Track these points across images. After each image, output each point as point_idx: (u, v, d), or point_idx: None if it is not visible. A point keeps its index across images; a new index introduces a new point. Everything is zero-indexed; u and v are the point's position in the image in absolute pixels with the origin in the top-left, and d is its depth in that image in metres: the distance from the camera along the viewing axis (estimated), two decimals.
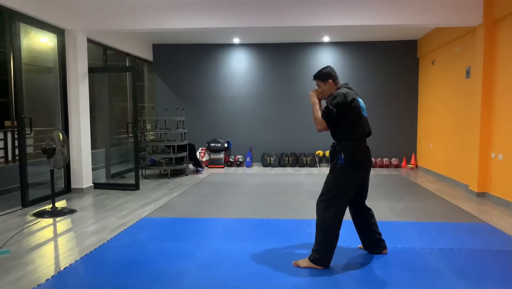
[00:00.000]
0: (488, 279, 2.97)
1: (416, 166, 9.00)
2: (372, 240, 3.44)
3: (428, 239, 3.86)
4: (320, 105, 3.21)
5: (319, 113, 3.13)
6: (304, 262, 3.16)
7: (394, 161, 9.10)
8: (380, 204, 5.40)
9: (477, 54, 5.93)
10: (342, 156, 3.07)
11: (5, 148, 7.80)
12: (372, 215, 3.42)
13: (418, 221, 4.53)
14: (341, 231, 3.97)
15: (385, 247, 3.46)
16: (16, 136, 6.25)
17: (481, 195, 5.85)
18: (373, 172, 8.38)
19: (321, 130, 3.13)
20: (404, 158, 9.10)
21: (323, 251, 3.12)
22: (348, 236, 3.88)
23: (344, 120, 3.07)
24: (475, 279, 2.97)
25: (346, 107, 3.03)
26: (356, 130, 3.11)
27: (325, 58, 9.14)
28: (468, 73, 6.39)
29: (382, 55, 9.08)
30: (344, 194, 3.13)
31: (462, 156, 6.56)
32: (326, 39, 8.88)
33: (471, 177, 6.11)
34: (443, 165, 7.45)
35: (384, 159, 9.11)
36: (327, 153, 9.24)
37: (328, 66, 3.31)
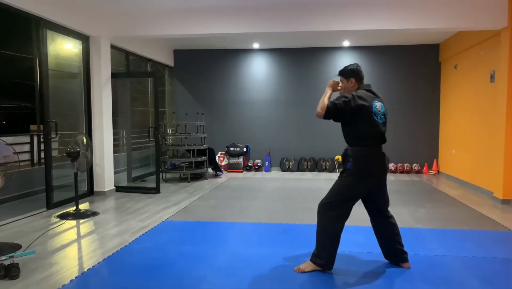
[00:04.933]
0: None
1: (438, 171, 8.82)
2: (392, 250, 3.26)
3: (451, 247, 3.78)
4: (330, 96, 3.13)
5: (326, 100, 3.03)
6: (308, 266, 3.13)
7: (415, 166, 8.95)
8: (401, 210, 5.32)
9: (502, 58, 5.80)
10: (350, 161, 3.02)
11: (31, 151, 8.02)
12: (394, 224, 3.24)
13: (441, 228, 4.44)
14: (363, 238, 3.94)
15: (406, 260, 3.23)
16: (41, 140, 6.43)
17: (507, 202, 5.69)
18: (393, 177, 8.27)
19: (319, 116, 2.99)
20: (426, 164, 8.93)
21: (325, 256, 3.09)
22: (370, 243, 3.85)
23: (354, 124, 3.02)
24: None
25: (353, 108, 2.96)
26: (368, 135, 3.02)
27: (345, 63, 8.97)
28: (492, 77, 6.25)
29: (403, 59, 8.97)
30: (348, 200, 3.07)
31: (486, 161, 6.40)
32: (346, 43, 8.84)
33: (495, 183, 5.96)
34: (466, 171, 7.29)
35: (405, 165, 8.96)
36: None
37: (355, 64, 3.27)
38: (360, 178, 3.02)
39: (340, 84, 3.25)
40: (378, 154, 3.08)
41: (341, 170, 3.18)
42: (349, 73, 3.20)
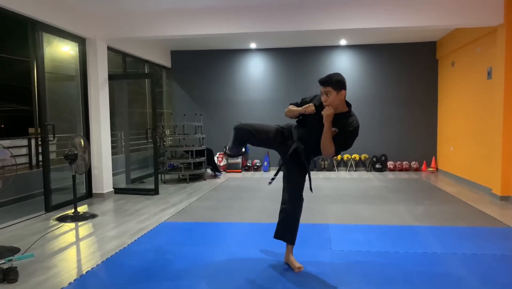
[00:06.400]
0: None
1: (437, 169, 8.83)
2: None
3: (450, 244, 3.78)
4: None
5: (332, 144, 2.89)
6: (290, 254, 3.30)
7: (414, 164, 8.96)
8: (400, 208, 5.32)
9: (499, 54, 5.80)
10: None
11: (29, 154, 8.01)
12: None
13: (439, 226, 4.44)
14: (361, 236, 3.94)
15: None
16: (39, 143, 6.42)
17: (505, 199, 5.70)
18: (392, 175, 8.29)
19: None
20: (424, 161, 8.94)
21: (295, 235, 3.29)
22: (368, 241, 3.85)
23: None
24: (500, 286, 2.89)
25: None
26: None
27: (342, 62, 9.09)
28: (489, 74, 6.26)
29: (400, 57, 8.97)
30: None
31: (484, 158, 6.41)
32: (343, 42, 8.84)
33: (494, 180, 5.96)
34: (465, 168, 7.30)
35: (404, 162, 8.97)
36: (346, 156, 9.17)
37: (339, 73, 2.94)
38: None
39: (325, 100, 2.89)
40: None
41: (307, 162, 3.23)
42: (340, 84, 2.84)
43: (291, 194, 3.20)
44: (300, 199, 3.22)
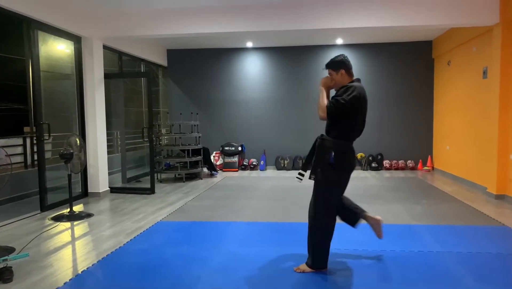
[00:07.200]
0: (509, 285, 2.90)
1: (433, 168, 8.86)
2: (351, 213, 3.29)
3: (446, 243, 3.79)
4: (328, 94, 3.08)
5: (325, 101, 2.99)
6: (308, 268, 3.12)
7: (410, 163, 8.98)
8: (397, 207, 5.34)
9: (494, 54, 5.83)
10: (332, 155, 2.92)
11: (24, 153, 7.96)
12: (346, 198, 3.31)
13: (435, 224, 4.46)
14: (358, 235, 3.94)
15: (361, 211, 3.28)
16: (35, 142, 6.39)
17: (500, 197, 5.73)
18: (388, 174, 8.30)
19: (323, 118, 2.99)
20: (420, 160, 8.97)
21: (324, 258, 3.10)
22: (366, 241, 3.86)
23: (348, 118, 2.94)
24: (495, 284, 2.91)
25: (358, 104, 2.92)
26: (355, 131, 3.03)
27: None
28: (485, 73, 6.28)
29: (396, 56, 8.99)
30: (338, 197, 3.10)
31: (480, 157, 6.44)
32: (339, 41, 8.84)
33: (489, 179, 5.99)
34: (460, 167, 7.33)
35: (400, 161, 8.99)
36: None
37: (341, 55, 3.14)
38: (344, 171, 3.02)
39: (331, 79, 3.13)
40: (353, 148, 3.10)
41: (317, 163, 3.02)
42: (337, 64, 3.07)
43: (315, 207, 3.07)
44: (325, 215, 3.04)
